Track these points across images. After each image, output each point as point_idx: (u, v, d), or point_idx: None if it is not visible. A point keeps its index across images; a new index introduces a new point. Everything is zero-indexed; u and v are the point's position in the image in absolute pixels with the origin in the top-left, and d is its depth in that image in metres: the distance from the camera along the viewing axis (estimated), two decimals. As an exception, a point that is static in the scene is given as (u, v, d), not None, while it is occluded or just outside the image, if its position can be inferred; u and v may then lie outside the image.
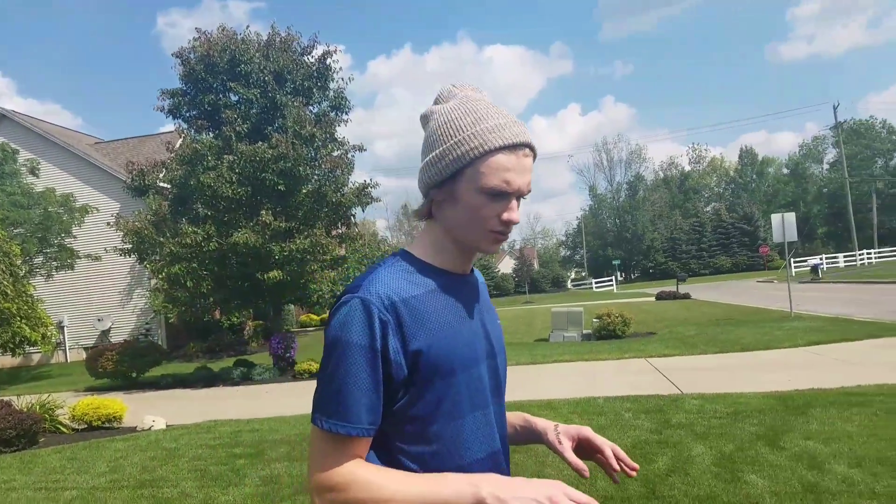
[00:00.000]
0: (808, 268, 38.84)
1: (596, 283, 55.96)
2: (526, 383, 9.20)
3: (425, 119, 1.17)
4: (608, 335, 14.34)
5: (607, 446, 1.24)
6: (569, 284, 62.91)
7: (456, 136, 1.09)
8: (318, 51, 13.84)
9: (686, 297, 28.51)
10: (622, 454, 1.24)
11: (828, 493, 3.93)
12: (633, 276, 71.99)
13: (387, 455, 1.10)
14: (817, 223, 68.46)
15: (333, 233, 13.68)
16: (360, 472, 1.03)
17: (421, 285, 1.12)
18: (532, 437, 1.32)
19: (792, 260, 41.82)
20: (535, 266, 65.97)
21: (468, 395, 1.12)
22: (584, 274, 69.94)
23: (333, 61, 13.90)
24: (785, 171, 76.20)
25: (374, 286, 1.07)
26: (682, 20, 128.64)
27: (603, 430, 5.94)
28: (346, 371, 1.03)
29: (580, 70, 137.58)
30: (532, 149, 1.13)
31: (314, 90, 13.83)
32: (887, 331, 11.28)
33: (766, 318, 16.27)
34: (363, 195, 13.37)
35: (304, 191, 12.92)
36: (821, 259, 42.88)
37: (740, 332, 13.25)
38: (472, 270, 1.27)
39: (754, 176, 77.21)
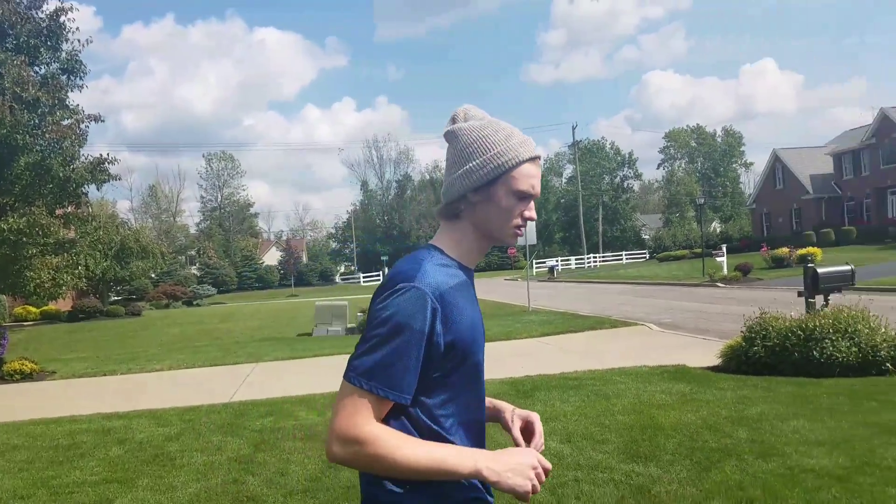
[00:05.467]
0: (547, 268, 43.86)
1: (364, 277, 56.87)
2: (286, 378, 8.95)
3: (453, 135, 1.39)
4: (369, 328, 14.55)
5: (538, 435, 1.45)
6: (337, 278, 62.91)
7: (495, 149, 1.33)
8: (51, 6, 12.01)
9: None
10: (540, 445, 1.43)
11: (542, 468, 4.39)
12: (399, 272, 74.31)
13: (412, 416, 1.27)
14: (556, 229, 77.38)
15: (58, 212, 11.95)
16: (384, 432, 1.20)
17: (454, 278, 1.31)
18: (494, 415, 1.52)
19: (533, 261, 46.72)
20: (304, 259, 64.75)
21: (476, 374, 1.34)
22: (353, 268, 70.45)
23: (69, 20, 12.15)
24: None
25: (427, 278, 1.25)
26: (449, 32, 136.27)
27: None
28: (400, 349, 1.20)
29: (355, 67, 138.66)
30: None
31: (42, 50, 11.97)
32: (603, 324, 13.07)
33: (509, 311, 17.93)
34: (98, 171, 11.87)
35: (22, 162, 11.10)
36: (557, 261, 48.64)
37: (486, 325, 14.21)
38: None
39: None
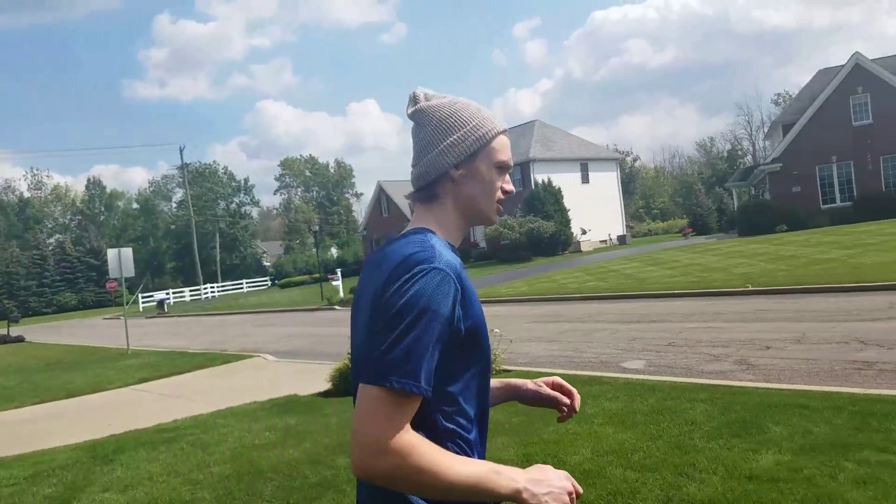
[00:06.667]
0: (156, 302, 40.05)
1: None
2: None
3: (422, 114, 1.33)
4: None
5: (574, 393, 1.51)
6: None
7: (472, 122, 1.30)
8: None
9: (20, 339, 25.27)
10: (578, 401, 1.52)
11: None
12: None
13: (427, 412, 1.14)
14: (167, 258, 71.84)
15: None
16: (418, 441, 1.06)
17: (457, 258, 1.21)
18: (509, 394, 1.52)
19: (139, 295, 42.26)
20: None
21: (488, 362, 1.25)
22: None
23: None
24: (135, 205, 77.32)
25: (442, 257, 1.15)
26: (26, 33, 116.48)
27: None
28: (423, 337, 1.07)
29: None
30: None
31: None
32: (215, 360, 12.14)
33: (103, 357, 15.56)
34: None
35: None
36: (168, 293, 44.86)
37: (71, 376, 12.18)
38: None
39: (103, 208, 75.66)
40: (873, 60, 28.81)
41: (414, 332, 1.07)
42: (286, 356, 12.04)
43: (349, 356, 1.44)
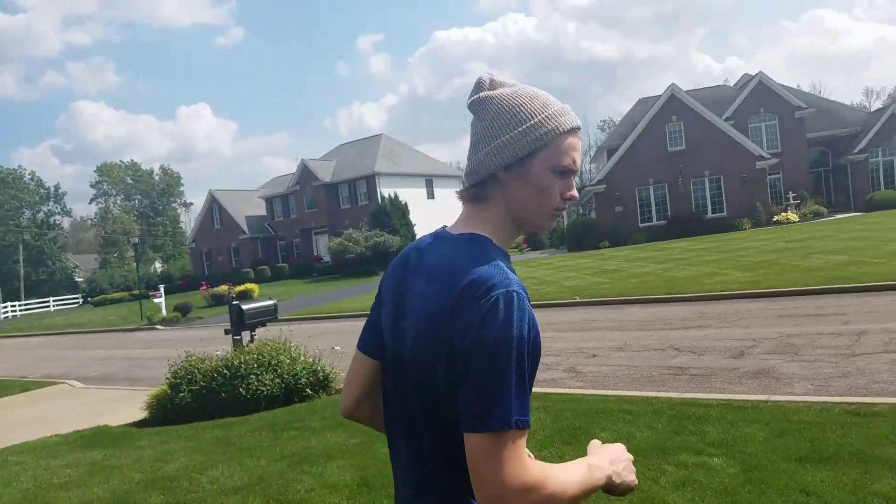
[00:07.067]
0: (-59, 324, 34.57)
1: None
2: None
3: (480, 105, 1.21)
4: None
5: None
6: None
7: (532, 119, 1.16)
8: None
9: None
10: None
11: None
12: None
13: None
14: (-42, 274, 62.59)
15: None
16: (542, 466, 1.06)
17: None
18: None
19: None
20: None
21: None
22: None
23: None
24: (-80, 213, 66.78)
25: (512, 277, 1.10)
26: None
27: None
28: (521, 370, 1.04)
29: None
30: None
31: None
32: (11, 389, 10.83)
33: None
34: None
35: None
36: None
37: None
38: None
39: None
40: (687, 92, 32.30)
41: (514, 367, 1.03)
42: (97, 382, 10.85)
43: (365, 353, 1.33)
